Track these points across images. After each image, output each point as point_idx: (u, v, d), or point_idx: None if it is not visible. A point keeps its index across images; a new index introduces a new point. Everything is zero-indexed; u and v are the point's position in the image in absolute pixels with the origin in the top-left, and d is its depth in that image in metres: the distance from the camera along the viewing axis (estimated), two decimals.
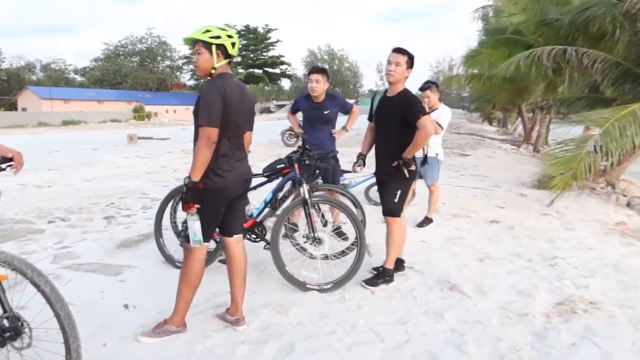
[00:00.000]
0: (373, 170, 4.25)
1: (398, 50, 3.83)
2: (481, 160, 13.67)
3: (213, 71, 2.91)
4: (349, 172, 7.06)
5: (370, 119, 4.22)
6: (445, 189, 8.08)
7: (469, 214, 6.60)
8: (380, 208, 6.47)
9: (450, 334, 3.18)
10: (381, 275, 4.00)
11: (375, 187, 7.30)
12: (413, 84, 4.58)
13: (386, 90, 4.05)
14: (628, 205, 8.56)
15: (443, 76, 73.49)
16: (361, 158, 4.28)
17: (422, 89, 5.80)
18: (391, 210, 3.99)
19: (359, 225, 3.93)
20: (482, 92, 26.65)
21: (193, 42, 2.90)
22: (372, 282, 3.95)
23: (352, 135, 18.67)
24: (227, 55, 2.93)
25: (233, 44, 2.93)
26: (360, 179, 7.50)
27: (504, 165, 13.16)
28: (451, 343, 3.05)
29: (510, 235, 5.65)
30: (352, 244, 4.29)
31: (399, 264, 4.25)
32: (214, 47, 2.86)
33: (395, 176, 3.89)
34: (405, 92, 3.89)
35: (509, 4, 16.81)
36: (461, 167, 11.95)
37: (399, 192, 3.94)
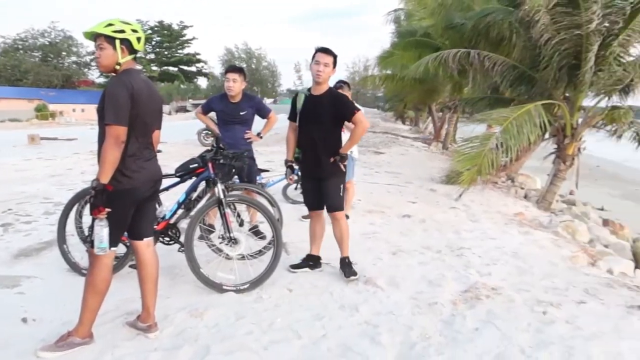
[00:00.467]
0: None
1: (326, 51, 3.94)
2: (395, 158, 14.19)
3: (118, 67, 2.77)
4: (266, 170, 7.04)
5: (292, 118, 4.21)
6: (361, 186, 8.29)
7: (383, 210, 6.83)
8: (297, 206, 6.57)
9: (364, 327, 3.27)
10: (350, 264, 4.19)
11: (293, 186, 7.37)
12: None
13: (309, 89, 4.11)
14: (525, 197, 9.33)
15: (359, 76, 75.34)
16: (290, 166, 4.24)
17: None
18: (338, 204, 4.16)
19: (276, 224, 3.93)
20: (395, 92, 27.66)
21: (94, 37, 2.75)
22: (350, 272, 4.11)
23: (269, 134, 18.65)
24: (132, 50, 2.80)
25: (139, 39, 2.81)
26: (278, 178, 7.51)
27: (416, 162, 13.76)
28: (365, 335, 3.14)
29: (422, 229, 5.92)
30: (269, 243, 4.28)
31: (316, 261, 4.32)
32: (117, 42, 2.73)
33: (336, 172, 4.08)
34: (333, 91, 4.09)
35: (418, 7, 17.63)
36: (376, 165, 12.33)
37: (341, 187, 4.15)
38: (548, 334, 3.23)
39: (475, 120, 8.46)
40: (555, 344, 3.08)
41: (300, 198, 7.00)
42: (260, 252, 4.33)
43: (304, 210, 6.26)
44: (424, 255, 4.90)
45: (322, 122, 4.01)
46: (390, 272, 4.34)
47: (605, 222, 8.65)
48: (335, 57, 3.97)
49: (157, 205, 3.94)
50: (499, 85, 9.82)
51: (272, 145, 16.06)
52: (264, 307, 3.51)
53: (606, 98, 8.71)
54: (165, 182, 3.78)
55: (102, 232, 2.69)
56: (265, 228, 4.69)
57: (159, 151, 3.36)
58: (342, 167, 4.07)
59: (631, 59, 8.60)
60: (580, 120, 8.79)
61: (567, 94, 8.91)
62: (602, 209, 11.41)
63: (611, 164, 25.12)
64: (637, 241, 7.37)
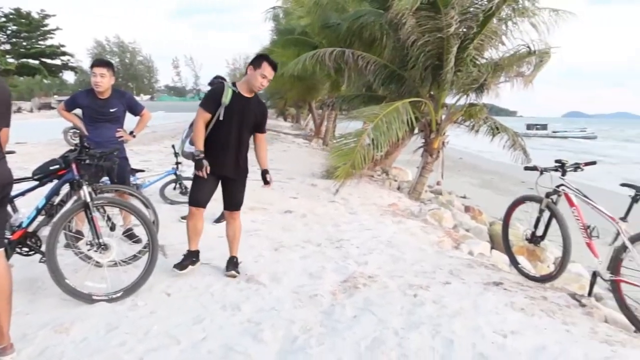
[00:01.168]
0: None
1: (275, 67, 3.96)
2: (277, 155, 14.28)
3: None
4: (141, 170, 6.68)
5: (210, 110, 3.95)
6: None
7: (265, 207, 6.84)
8: (176, 206, 6.34)
9: (247, 325, 3.25)
10: (236, 263, 4.22)
11: (172, 186, 7.09)
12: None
13: (233, 83, 4.04)
14: (399, 188, 9.96)
15: (239, 73, 74.55)
16: (203, 158, 3.96)
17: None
18: (241, 204, 4.24)
19: (150, 227, 3.75)
20: (276, 89, 27.84)
21: None
22: (233, 269, 4.13)
23: (147, 132, 17.68)
24: None
25: None
26: (155, 178, 7.18)
27: (298, 159, 14.01)
28: (248, 333, 3.12)
29: (303, 223, 6.05)
30: (145, 247, 4.07)
31: (197, 255, 4.25)
32: None
33: (246, 172, 4.19)
34: (259, 98, 4.17)
35: (296, 6, 17.87)
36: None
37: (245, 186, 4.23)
38: (418, 315, 3.48)
39: (350, 117, 8.83)
40: (424, 324, 3.32)
41: (179, 198, 6.79)
42: (134, 257, 4.10)
43: (183, 210, 6.06)
44: (305, 249, 5.00)
45: (248, 124, 4.03)
46: (272, 268, 4.36)
47: (467, 209, 9.55)
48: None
49: (11, 212, 3.56)
50: (373, 83, 10.32)
51: (149, 144, 15.29)
52: (139, 315, 3.33)
53: (465, 96, 9.61)
54: (22, 186, 3.45)
55: None
56: (141, 231, 4.46)
57: (11, 152, 3.04)
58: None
59: (484, 61, 9.56)
60: (443, 117, 9.58)
61: (432, 92, 9.64)
62: (464, 197, 12.60)
63: (471, 156, 27.85)
64: (492, 224, 8.23)
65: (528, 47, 9.17)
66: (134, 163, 5.29)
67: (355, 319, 3.38)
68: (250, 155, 4.19)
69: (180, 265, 4.12)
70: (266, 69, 3.89)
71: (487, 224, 8.37)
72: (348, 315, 3.44)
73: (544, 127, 65.07)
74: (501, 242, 5.16)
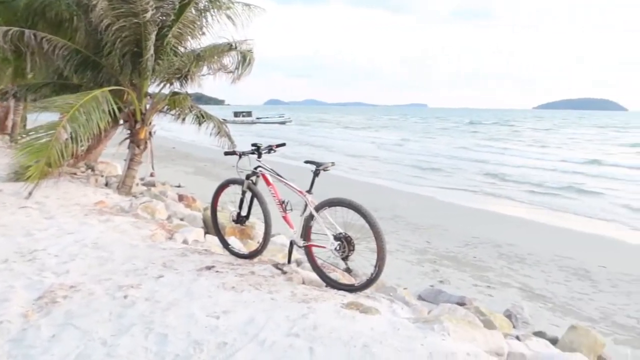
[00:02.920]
0: None
1: None
2: None
3: None
4: None
5: None
6: None
7: None
8: None
9: None
10: None
11: None
12: None
13: None
14: (107, 184, 9.24)
15: None
16: None
17: None
18: None
19: None
20: None
21: None
22: None
23: None
24: None
25: None
26: None
27: None
28: None
29: None
30: None
31: None
32: None
33: None
34: None
35: None
36: None
37: None
38: (129, 316, 3.30)
39: (38, 107, 7.71)
40: (136, 324, 3.17)
41: None
42: None
43: None
44: None
45: None
46: None
47: (181, 197, 9.51)
48: None
49: None
50: (64, 70, 9.20)
51: None
52: None
53: (169, 85, 9.50)
54: None
55: None
56: None
57: None
58: None
59: (187, 50, 9.60)
60: (148, 106, 9.25)
61: (133, 81, 9.15)
62: (179, 186, 12.59)
63: (184, 145, 28.13)
64: (206, 209, 8.42)
65: (229, 42, 9.63)
66: None
67: (54, 338, 2.99)
68: None
69: None
70: None
71: (201, 210, 8.52)
72: (44, 336, 3.01)
73: (249, 114, 70.63)
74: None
